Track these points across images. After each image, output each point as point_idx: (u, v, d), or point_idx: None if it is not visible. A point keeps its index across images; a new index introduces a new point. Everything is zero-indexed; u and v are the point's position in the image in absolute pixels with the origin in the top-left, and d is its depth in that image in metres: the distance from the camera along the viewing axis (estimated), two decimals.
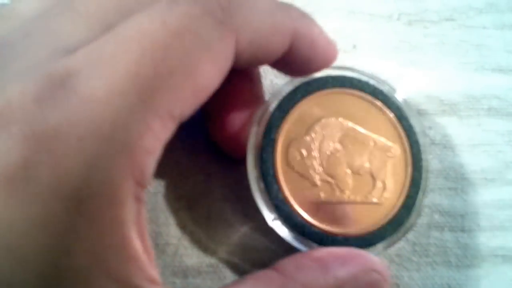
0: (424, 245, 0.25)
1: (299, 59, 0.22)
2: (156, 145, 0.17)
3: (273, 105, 0.23)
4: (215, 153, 0.25)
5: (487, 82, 0.27)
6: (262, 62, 0.21)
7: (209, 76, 0.18)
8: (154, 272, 0.17)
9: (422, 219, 0.25)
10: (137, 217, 0.16)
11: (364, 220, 0.22)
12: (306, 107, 0.23)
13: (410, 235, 0.25)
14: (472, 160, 0.26)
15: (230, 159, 0.24)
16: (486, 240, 0.25)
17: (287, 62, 0.22)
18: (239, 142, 0.23)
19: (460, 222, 0.25)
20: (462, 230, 0.25)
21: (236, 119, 0.23)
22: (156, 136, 0.17)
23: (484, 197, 0.26)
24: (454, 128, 0.26)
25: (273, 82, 0.26)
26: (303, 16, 0.22)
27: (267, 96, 0.25)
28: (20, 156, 0.15)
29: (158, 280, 0.17)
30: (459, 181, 0.26)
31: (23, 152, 0.15)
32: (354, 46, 0.26)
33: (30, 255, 0.15)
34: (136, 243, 0.16)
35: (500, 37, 0.27)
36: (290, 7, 0.21)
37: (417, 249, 0.25)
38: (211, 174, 0.25)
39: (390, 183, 0.22)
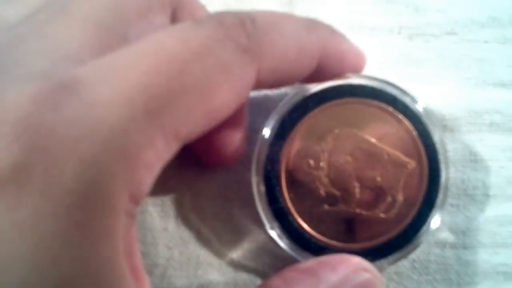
0: (424, 262, 0.24)
1: (326, 74, 0.22)
2: (156, 162, 0.16)
3: (283, 112, 0.22)
4: (205, 170, 0.24)
5: (489, 97, 0.26)
6: (285, 85, 0.21)
7: (225, 101, 0.18)
8: None
9: None
10: (125, 233, 0.16)
11: (369, 234, 0.22)
12: (320, 116, 0.22)
13: None
14: (474, 176, 0.25)
15: (220, 177, 0.24)
16: (488, 257, 0.25)
17: (312, 78, 0.21)
18: (218, 151, 0.22)
19: (462, 238, 0.25)
20: (464, 247, 0.25)
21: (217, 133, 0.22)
22: (158, 153, 0.16)
23: (486, 213, 0.25)
24: (455, 143, 0.26)
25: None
26: (332, 33, 0.22)
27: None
28: (11, 156, 0.14)
29: None
30: (460, 197, 0.25)
31: (14, 153, 0.14)
32: None
33: (14, 262, 0.14)
34: (122, 261, 0.15)
35: (502, 51, 0.27)
36: (318, 26, 0.21)
37: (417, 266, 0.24)
38: (200, 191, 0.25)
39: (401, 199, 0.22)
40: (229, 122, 0.22)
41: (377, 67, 0.26)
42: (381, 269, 0.22)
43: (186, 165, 0.25)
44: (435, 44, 0.27)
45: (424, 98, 0.26)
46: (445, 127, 0.26)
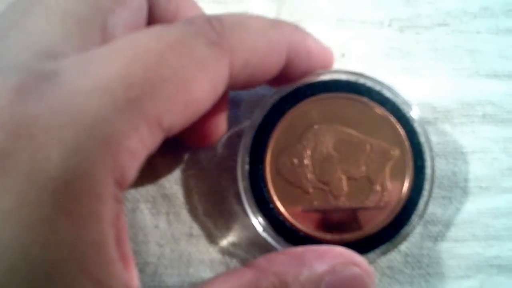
0: (417, 256, 0.24)
1: (296, 72, 0.22)
2: (140, 149, 0.16)
3: (263, 113, 0.23)
4: (196, 168, 0.24)
5: (481, 88, 0.26)
6: (258, 82, 0.21)
7: (203, 92, 0.18)
8: (132, 280, 0.17)
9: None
10: (115, 218, 0.16)
11: (358, 226, 0.22)
12: (298, 113, 0.22)
13: (402, 246, 0.24)
14: (466, 168, 0.25)
15: (211, 174, 0.24)
16: (481, 250, 0.25)
17: (283, 77, 0.22)
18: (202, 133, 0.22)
19: (454, 231, 0.25)
20: (456, 240, 0.25)
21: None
22: (142, 140, 0.16)
23: (479, 205, 0.25)
24: (447, 136, 0.26)
25: None
26: (296, 29, 0.22)
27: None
28: None
29: None
30: (452, 189, 0.25)
31: (0, 139, 0.15)
32: (343, 55, 0.26)
33: (1, 248, 0.14)
34: (111, 246, 0.16)
35: (495, 42, 0.27)
36: (281, 23, 0.22)
37: (410, 260, 0.24)
38: (192, 189, 0.25)
39: (390, 186, 0.22)
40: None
41: (367, 61, 0.26)
42: (371, 261, 0.21)
43: (177, 162, 0.25)
44: (426, 36, 0.27)
45: (415, 91, 0.26)
46: (437, 119, 0.26)
